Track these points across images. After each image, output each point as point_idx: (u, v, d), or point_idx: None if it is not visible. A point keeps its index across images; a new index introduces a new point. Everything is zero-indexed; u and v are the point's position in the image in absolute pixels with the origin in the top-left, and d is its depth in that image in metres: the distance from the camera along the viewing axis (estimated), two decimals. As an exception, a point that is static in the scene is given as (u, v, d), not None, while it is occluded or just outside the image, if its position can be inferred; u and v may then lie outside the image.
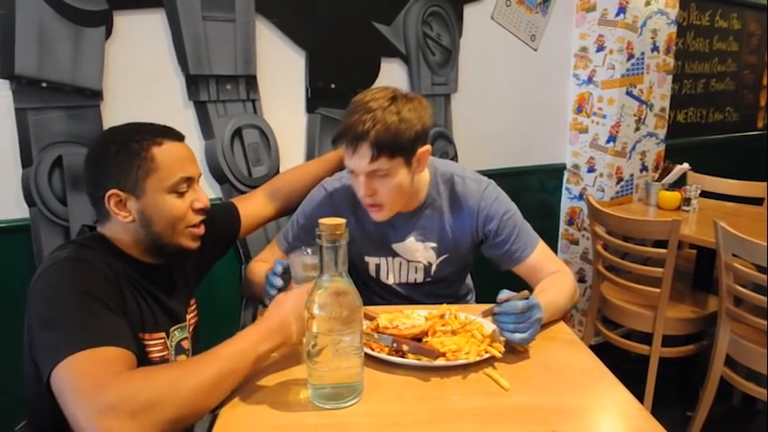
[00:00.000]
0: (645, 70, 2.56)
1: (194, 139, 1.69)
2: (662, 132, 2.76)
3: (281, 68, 1.81)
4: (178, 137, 1.04)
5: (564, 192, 2.75)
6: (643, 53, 2.53)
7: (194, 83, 1.66)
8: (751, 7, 3.62)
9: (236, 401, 0.88)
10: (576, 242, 2.73)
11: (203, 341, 0.87)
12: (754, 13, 3.67)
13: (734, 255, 1.81)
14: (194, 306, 1.19)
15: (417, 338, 1.03)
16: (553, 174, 2.71)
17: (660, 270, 2.00)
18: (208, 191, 1.71)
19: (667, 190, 2.51)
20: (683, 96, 3.26)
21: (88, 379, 0.77)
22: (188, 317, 1.15)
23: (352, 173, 1.19)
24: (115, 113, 1.53)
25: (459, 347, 0.99)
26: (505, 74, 2.39)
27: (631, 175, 2.66)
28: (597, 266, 2.24)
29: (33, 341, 0.87)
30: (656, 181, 2.57)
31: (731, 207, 2.55)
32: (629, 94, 2.52)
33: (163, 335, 1.04)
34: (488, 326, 1.07)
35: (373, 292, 1.43)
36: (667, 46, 2.64)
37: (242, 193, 1.74)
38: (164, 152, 0.99)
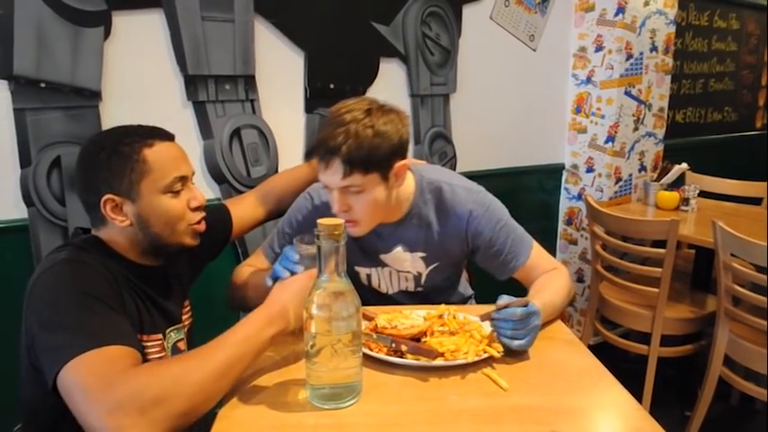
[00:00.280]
0: (643, 70, 2.56)
1: (193, 140, 1.69)
2: (661, 132, 2.77)
3: (280, 69, 1.81)
4: (168, 137, 1.03)
5: (562, 192, 2.75)
6: (642, 53, 2.53)
7: (193, 83, 1.65)
8: (750, 7, 3.63)
9: (235, 402, 0.88)
10: (574, 242, 2.74)
11: (201, 342, 0.87)
12: (753, 13, 3.67)
13: (732, 255, 1.81)
14: (188, 307, 1.19)
15: (416, 339, 1.03)
16: (552, 174, 2.71)
17: (659, 270, 2.00)
18: (206, 191, 1.71)
19: (666, 190, 2.51)
20: (681, 96, 3.26)
21: (95, 379, 0.77)
22: (183, 318, 1.15)
23: (327, 187, 1.15)
24: (114, 114, 1.53)
25: (457, 348, 0.99)
26: (504, 74, 2.39)
27: (630, 175, 2.66)
28: (596, 266, 2.24)
29: (34, 344, 0.86)
30: (655, 181, 2.56)
31: (730, 207, 2.55)
32: (627, 94, 2.52)
33: (160, 336, 1.04)
34: (487, 326, 1.06)
35: (365, 300, 1.41)
36: (666, 46, 2.65)
37: (241, 193, 1.73)
38: (155, 153, 0.98)
